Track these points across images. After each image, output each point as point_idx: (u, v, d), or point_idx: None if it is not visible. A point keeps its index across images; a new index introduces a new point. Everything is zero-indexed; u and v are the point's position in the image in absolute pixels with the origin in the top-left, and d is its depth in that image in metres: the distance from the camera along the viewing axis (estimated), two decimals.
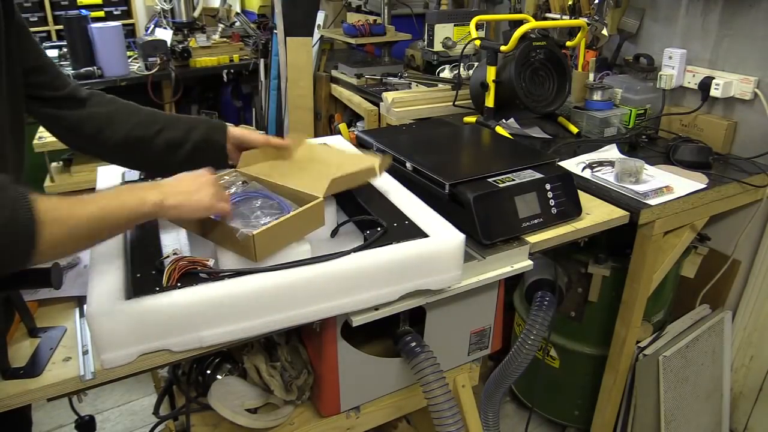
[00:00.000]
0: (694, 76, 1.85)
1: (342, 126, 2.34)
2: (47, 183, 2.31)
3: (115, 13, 3.43)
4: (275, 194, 1.06)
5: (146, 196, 0.84)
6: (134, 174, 1.26)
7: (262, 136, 1.16)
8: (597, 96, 1.92)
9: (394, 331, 1.21)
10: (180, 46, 3.10)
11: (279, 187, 1.07)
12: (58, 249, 0.75)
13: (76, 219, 0.75)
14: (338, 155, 1.25)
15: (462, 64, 2.28)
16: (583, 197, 1.40)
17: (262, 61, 3.15)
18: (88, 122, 1.07)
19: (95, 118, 1.08)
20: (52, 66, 1.04)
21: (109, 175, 1.30)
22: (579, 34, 1.91)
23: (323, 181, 1.04)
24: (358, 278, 0.98)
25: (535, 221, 1.26)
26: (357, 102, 2.46)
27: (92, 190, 1.22)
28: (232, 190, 1.07)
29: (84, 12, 2.98)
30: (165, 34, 3.13)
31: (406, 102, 2.14)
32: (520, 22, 2.02)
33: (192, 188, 0.90)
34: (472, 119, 1.96)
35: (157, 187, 0.88)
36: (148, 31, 3.32)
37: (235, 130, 1.17)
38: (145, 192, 0.85)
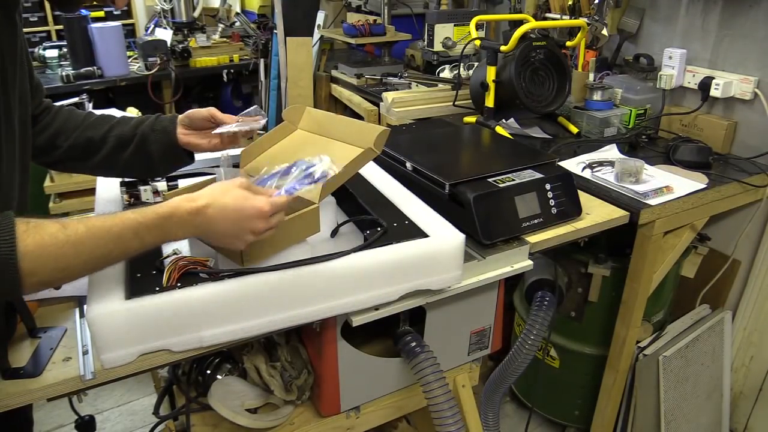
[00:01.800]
0: (694, 76, 1.85)
1: None
2: (47, 183, 2.30)
3: (115, 13, 3.42)
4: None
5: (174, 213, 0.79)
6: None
7: (206, 109, 1.10)
8: (597, 96, 1.92)
9: (394, 331, 1.21)
10: (180, 46, 3.10)
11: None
12: (51, 277, 0.72)
13: (60, 244, 0.70)
14: (338, 132, 1.17)
15: (462, 64, 2.28)
16: (583, 197, 1.40)
17: (262, 61, 3.15)
18: (42, 134, 1.04)
19: (49, 128, 1.05)
20: (38, 89, 1.03)
21: None
22: (579, 34, 1.91)
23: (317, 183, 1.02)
24: (358, 278, 0.98)
25: (535, 221, 1.26)
26: (357, 102, 2.46)
27: (92, 190, 1.23)
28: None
29: (84, 12, 2.98)
30: (165, 34, 3.13)
31: (406, 102, 2.14)
32: (520, 22, 2.02)
33: (232, 233, 0.83)
34: (472, 119, 1.96)
35: (192, 219, 0.81)
36: (148, 31, 3.32)
37: (183, 115, 1.12)
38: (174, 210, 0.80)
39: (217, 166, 1.33)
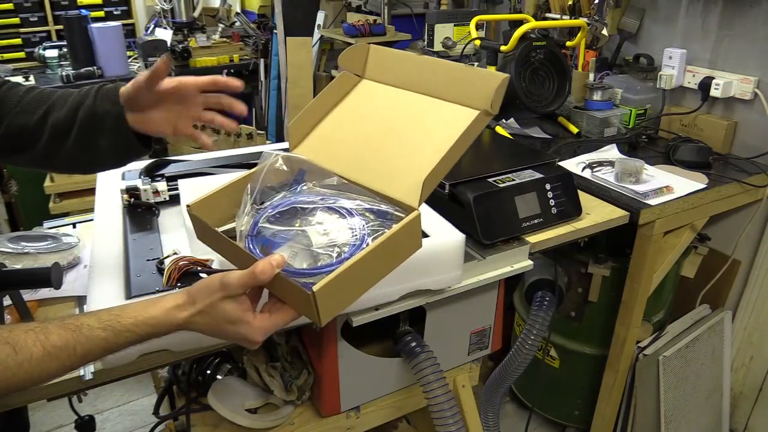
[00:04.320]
0: (694, 76, 1.85)
1: None
2: (47, 183, 2.31)
3: (115, 13, 3.42)
4: (354, 197, 0.76)
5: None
6: (134, 173, 1.26)
7: (142, 75, 0.87)
8: (597, 96, 1.91)
9: (394, 331, 1.21)
10: (180, 46, 3.10)
11: (353, 188, 0.78)
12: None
13: (11, 372, 0.63)
14: (426, 81, 0.82)
15: (462, 64, 2.28)
16: (583, 197, 1.40)
17: (262, 61, 3.15)
18: None
19: None
20: None
21: (109, 175, 1.29)
22: (579, 34, 1.91)
23: (412, 176, 0.74)
24: None
25: (535, 221, 1.26)
26: None
27: (92, 190, 1.23)
28: (279, 197, 0.79)
29: (84, 12, 2.98)
30: (165, 34, 3.13)
31: None
32: (520, 22, 2.02)
33: (222, 335, 0.74)
34: None
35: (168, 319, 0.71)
36: (148, 31, 3.32)
37: (127, 87, 0.89)
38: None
39: (225, 166, 1.31)
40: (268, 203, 0.79)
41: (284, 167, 0.82)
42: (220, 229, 0.78)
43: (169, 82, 0.89)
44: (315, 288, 0.64)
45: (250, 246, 0.75)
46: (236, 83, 0.91)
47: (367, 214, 0.75)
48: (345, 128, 0.86)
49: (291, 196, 0.78)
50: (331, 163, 0.82)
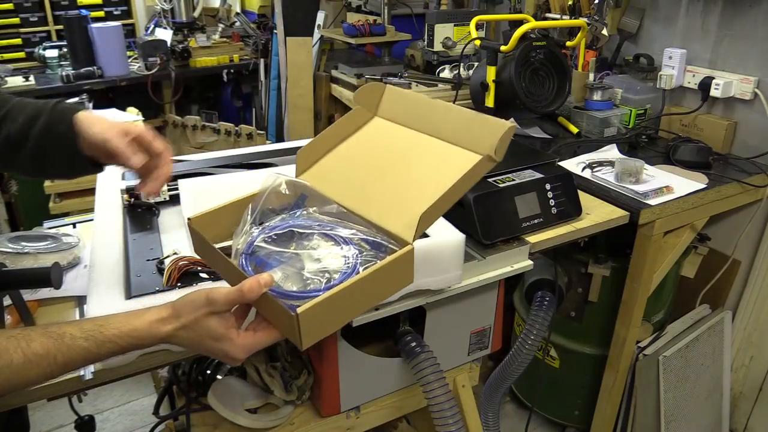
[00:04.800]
0: (694, 76, 1.85)
1: None
2: (47, 183, 2.30)
3: (115, 13, 3.42)
4: (352, 226, 0.78)
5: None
6: (134, 173, 1.25)
7: (122, 144, 0.84)
8: (597, 96, 1.92)
9: (394, 331, 1.21)
10: (180, 46, 3.10)
11: (352, 217, 0.79)
12: None
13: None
14: (435, 124, 0.85)
15: (462, 64, 2.28)
16: (583, 197, 1.40)
17: (262, 61, 3.15)
18: None
19: None
20: None
21: (109, 175, 1.29)
22: (579, 34, 1.91)
23: (410, 211, 0.74)
24: None
25: (535, 221, 1.26)
26: None
27: (92, 190, 1.23)
28: (278, 219, 0.80)
29: (84, 12, 2.99)
30: (165, 34, 3.13)
31: None
32: (520, 22, 2.02)
33: (204, 350, 0.73)
34: None
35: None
36: (148, 31, 3.32)
37: (91, 127, 0.85)
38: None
39: (225, 166, 1.31)
40: (266, 224, 0.80)
41: (287, 191, 0.83)
42: (218, 245, 0.79)
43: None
44: (299, 310, 0.64)
45: (244, 264, 0.75)
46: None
47: (362, 244, 0.75)
48: (351, 160, 0.88)
49: (289, 219, 0.80)
50: (333, 191, 0.84)
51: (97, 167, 0.91)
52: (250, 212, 0.80)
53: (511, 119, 1.83)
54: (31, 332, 0.67)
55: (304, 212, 0.81)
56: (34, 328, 0.68)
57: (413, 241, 0.74)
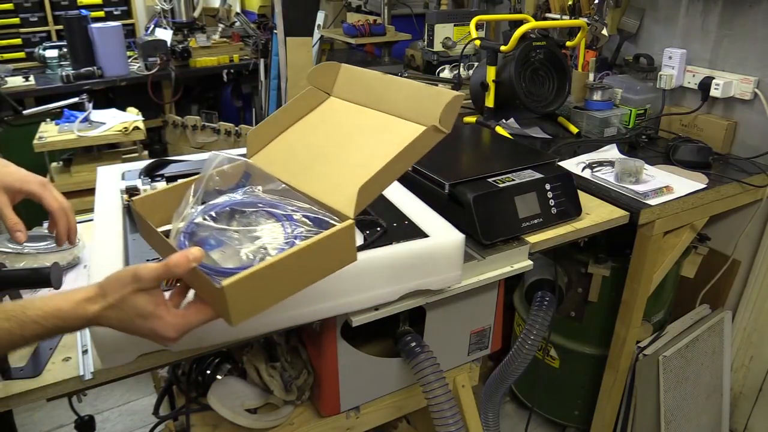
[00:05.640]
0: (694, 76, 1.85)
1: None
2: None
3: (115, 13, 3.42)
4: (295, 203, 0.77)
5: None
6: (134, 173, 1.26)
7: (55, 200, 0.87)
8: (597, 96, 1.92)
9: (394, 331, 1.21)
10: (180, 46, 3.10)
11: (296, 195, 0.79)
12: None
13: None
14: (389, 100, 0.84)
15: (462, 64, 2.28)
16: (583, 197, 1.40)
17: (262, 61, 3.15)
18: None
19: None
20: None
21: (109, 174, 1.30)
22: (579, 34, 1.91)
23: (352, 186, 0.73)
24: (358, 278, 0.98)
25: (535, 221, 1.26)
26: None
27: (92, 190, 1.23)
28: (219, 199, 0.79)
29: (84, 12, 2.99)
30: (165, 34, 3.13)
31: None
32: (520, 22, 2.02)
33: (134, 330, 0.70)
34: (472, 119, 1.95)
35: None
36: (148, 31, 3.32)
37: (9, 177, 0.86)
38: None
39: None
40: (208, 204, 0.78)
41: (230, 170, 0.82)
42: (162, 228, 0.77)
43: None
44: (224, 283, 0.62)
45: (183, 243, 0.73)
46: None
47: (304, 220, 0.74)
48: (301, 140, 0.88)
49: (231, 198, 0.78)
50: (279, 170, 0.82)
51: None
52: (192, 192, 0.78)
53: (503, 119, 1.83)
54: None
55: (248, 190, 0.80)
56: None
57: (354, 215, 0.72)
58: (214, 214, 0.76)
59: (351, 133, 0.83)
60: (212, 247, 0.72)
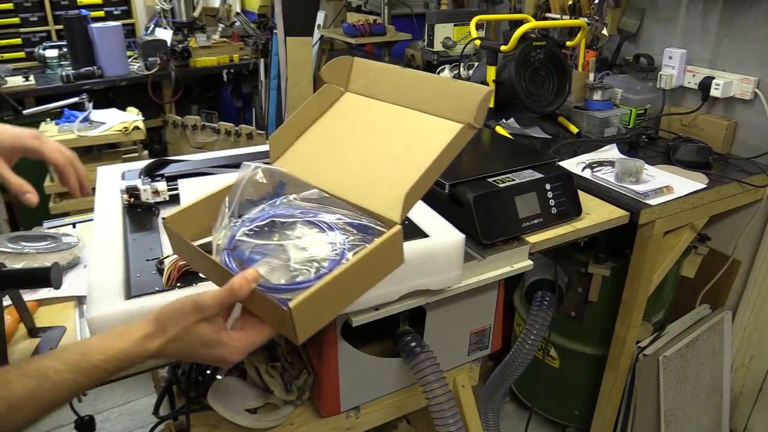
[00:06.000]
0: (694, 76, 1.85)
1: None
2: (47, 183, 2.30)
3: (115, 13, 3.42)
4: (334, 210, 0.75)
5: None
6: (134, 173, 1.26)
7: (57, 152, 0.83)
8: (597, 96, 1.91)
9: (394, 331, 1.21)
10: (180, 46, 3.10)
11: (334, 201, 0.77)
12: None
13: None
14: (409, 95, 0.81)
15: (462, 64, 2.28)
16: (583, 197, 1.40)
17: (262, 61, 3.15)
18: None
19: None
20: None
21: (109, 174, 1.30)
22: (579, 34, 1.91)
23: (394, 189, 0.71)
24: None
25: (535, 221, 1.26)
26: None
27: (92, 190, 1.23)
28: (257, 210, 0.77)
29: (84, 12, 2.99)
30: (165, 34, 3.13)
31: None
32: (520, 22, 2.02)
33: (197, 358, 0.70)
34: None
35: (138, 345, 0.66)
36: (148, 31, 3.32)
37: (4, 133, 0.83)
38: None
39: (225, 166, 1.31)
40: (246, 216, 0.76)
41: (264, 180, 0.80)
42: (196, 243, 0.76)
43: None
44: (291, 304, 0.61)
45: (227, 261, 0.71)
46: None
47: (347, 228, 0.73)
48: (326, 141, 0.85)
49: (269, 210, 0.76)
50: (311, 176, 0.81)
51: None
52: (227, 205, 0.76)
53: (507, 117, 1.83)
54: (8, 376, 0.61)
55: (285, 200, 0.78)
56: (8, 370, 0.62)
57: (400, 220, 0.71)
58: (255, 228, 0.74)
59: (378, 131, 0.80)
60: (257, 261, 0.71)
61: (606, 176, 1.54)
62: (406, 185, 0.71)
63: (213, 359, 0.69)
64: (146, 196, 1.19)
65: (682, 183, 1.53)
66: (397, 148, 0.80)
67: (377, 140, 0.81)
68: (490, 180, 1.25)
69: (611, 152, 1.71)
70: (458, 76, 2.27)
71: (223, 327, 0.69)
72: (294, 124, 0.87)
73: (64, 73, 2.80)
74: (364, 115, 0.85)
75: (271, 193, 0.81)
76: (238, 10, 3.63)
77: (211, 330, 0.67)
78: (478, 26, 1.98)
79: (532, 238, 1.25)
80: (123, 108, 2.59)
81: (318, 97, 0.88)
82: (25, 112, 2.51)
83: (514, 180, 1.26)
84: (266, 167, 0.80)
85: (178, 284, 0.89)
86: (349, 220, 0.74)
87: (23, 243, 1.12)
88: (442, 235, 1.05)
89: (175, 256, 0.93)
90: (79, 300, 1.04)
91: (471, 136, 0.77)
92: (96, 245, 1.01)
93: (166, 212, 1.17)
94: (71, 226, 1.32)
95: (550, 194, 1.28)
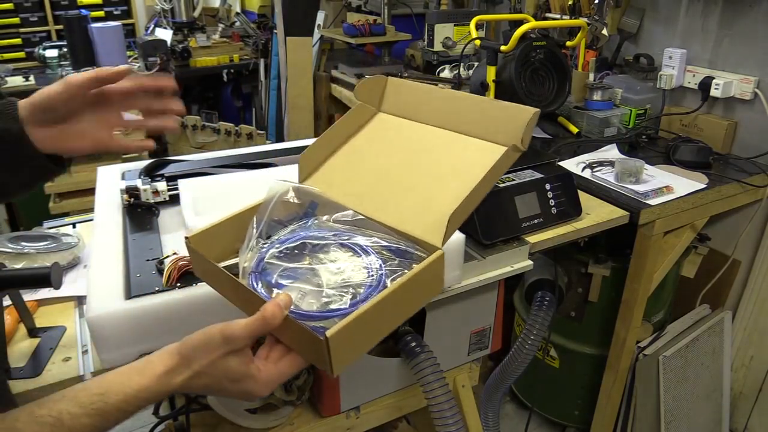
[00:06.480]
0: (694, 76, 1.85)
1: None
2: (47, 183, 2.30)
3: (115, 13, 3.42)
4: (370, 233, 0.71)
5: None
6: (134, 173, 1.26)
7: (73, 78, 0.72)
8: (597, 96, 1.92)
9: (394, 331, 1.21)
10: (180, 46, 3.10)
11: (370, 223, 0.72)
12: None
13: None
14: (447, 116, 0.78)
15: (462, 64, 2.28)
16: (583, 197, 1.40)
17: (262, 61, 3.16)
18: None
19: None
20: None
21: (109, 174, 1.30)
22: (579, 34, 1.91)
23: (435, 213, 0.68)
24: None
25: (535, 221, 1.26)
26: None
27: (92, 190, 1.23)
28: (287, 231, 0.72)
29: (84, 12, 2.99)
30: (165, 34, 3.13)
31: None
32: (520, 22, 2.02)
33: (223, 394, 0.65)
34: None
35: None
36: (148, 31, 3.32)
37: (27, 102, 0.73)
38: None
39: (225, 166, 1.31)
40: (275, 238, 0.71)
41: (294, 199, 0.75)
42: (221, 265, 0.71)
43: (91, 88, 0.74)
44: (328, 333, 0.56)
45: (254, 284, 0.67)
46: (167, 83, 0.78)
47: (384, 252, 0.68)
48: (360, 162, 0.81)
49: (301, 231, 0.71)
50: (344, 197, 0.76)
51: (59, 166, 0.79)
52: (255, 225, 0.72)
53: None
54: (17, 424, 0.56)
55: (316, 221, 0.73)
56: (18, 416, 0.57)
57: (443, 245, 0.67)
58: (286, 249, 0.69)
59: (415, 153, 0.77)
60: (287, 286, 0.66)
61: (606, 176, 1.54)
62: (448, 209, 0.68)
63: (240, 394, 0.64)
64: (146, 196, 1.19)
65: (682, 183, 1.53)
66: (436, 170, 0.76)
67: (414, 162, 0.78)
68: None
69: (611, 152, 1.71)
70: (458, 76, 2.27)
71: (251, 359, 0.63)
72: (324, 143, 0.84)
73: (64, 73, 2.80)
74: (399, 136, 0.82)
75: (300, 214, 0.76)
76: (238, 10, 3.63)
77: (240, 363, 0.62)
78: (478, 26, 1.98)
79: (532, 238, 1.25)
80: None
81: (350, 117, 0.85)
82: None
83: (514, 180, 1.26)
84: (297, 186, 0.76)
85: (178, 284, 0.89)
86: (386, 244, 0.70)
87: (23, 243, 1.11)
88: None
89: (175, 256, 0.93)
90: (79, 300, 1.04)
91: (515, 159, 0.75)
92: (96, 245, 1.01)
93: (167, 213, 1.18)
94: (71, 226, 1.32)
95: (550, 194, 1.28)
